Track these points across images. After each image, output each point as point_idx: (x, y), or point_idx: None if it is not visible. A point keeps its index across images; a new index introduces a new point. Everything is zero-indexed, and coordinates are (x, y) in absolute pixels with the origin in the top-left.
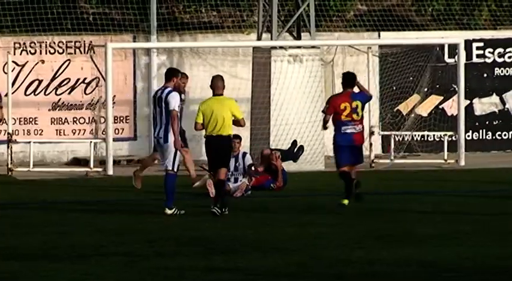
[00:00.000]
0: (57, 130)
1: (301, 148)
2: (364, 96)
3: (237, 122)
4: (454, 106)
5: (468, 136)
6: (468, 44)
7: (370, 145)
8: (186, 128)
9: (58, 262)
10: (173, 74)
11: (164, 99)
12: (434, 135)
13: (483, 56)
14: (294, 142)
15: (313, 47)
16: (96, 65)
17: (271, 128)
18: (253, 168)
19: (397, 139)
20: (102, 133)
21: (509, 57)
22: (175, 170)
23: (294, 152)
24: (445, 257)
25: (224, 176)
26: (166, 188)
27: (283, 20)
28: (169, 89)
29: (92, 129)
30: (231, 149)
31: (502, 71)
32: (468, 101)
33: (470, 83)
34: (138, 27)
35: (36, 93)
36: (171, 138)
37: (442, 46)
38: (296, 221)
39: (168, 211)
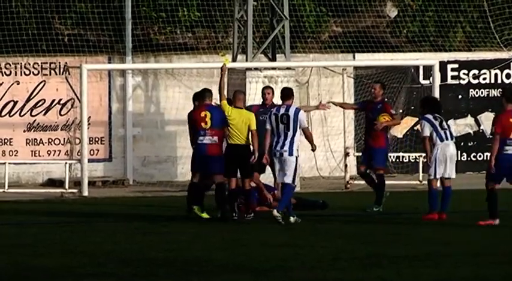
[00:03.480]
0: (32, 151)
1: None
2: None
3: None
4: None
5: None
6: (443, 65)
7: (345, 166)
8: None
9: None
10: (292, 93)
11: (293, 117)
12: (409, 156)
13: (458, 77)
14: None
15: (288, 68)
16: (71, 86)
17: None
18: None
19: None
20: (77, 154)
21: (483, 78)
22: (295, 183)
23: (318, 203)
24: (418, 279)
25: (248, 185)
26: (285, 198)
27: (258, 42)
28: (295, 107)
29: (67, 151)
30: (248, 158)
31: (476, 93)
32: None
33: (445, 104)
34: (113, 48)
35: (11, 114)
36: (295, 152)
37: (416, 68)
38: (271, 242)
39: (292, 219)
